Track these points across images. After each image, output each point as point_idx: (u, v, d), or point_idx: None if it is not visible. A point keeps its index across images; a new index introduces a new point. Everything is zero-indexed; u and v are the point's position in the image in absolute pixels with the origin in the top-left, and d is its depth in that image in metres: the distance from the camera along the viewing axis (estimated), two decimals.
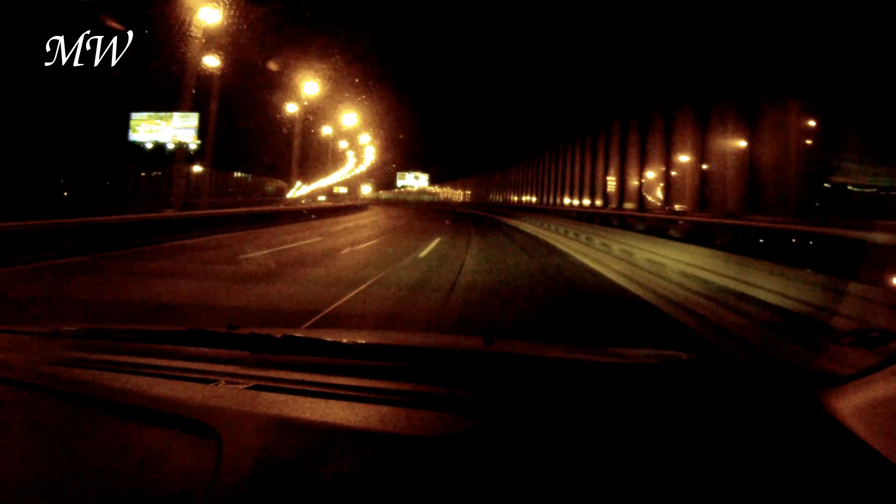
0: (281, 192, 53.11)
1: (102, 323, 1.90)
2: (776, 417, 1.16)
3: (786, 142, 10.02)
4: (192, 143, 27.01)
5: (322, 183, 69.31)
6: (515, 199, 39.96)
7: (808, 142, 9.85)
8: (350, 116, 55.45)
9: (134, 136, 26.81)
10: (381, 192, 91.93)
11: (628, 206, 16.29)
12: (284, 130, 34.95)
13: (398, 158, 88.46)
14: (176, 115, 26.42)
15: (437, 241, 15.74)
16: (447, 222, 28.43)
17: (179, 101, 23.92)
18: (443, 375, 1.36)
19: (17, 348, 1.63)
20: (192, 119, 26.72)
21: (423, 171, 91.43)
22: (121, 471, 1.03)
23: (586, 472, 0.99)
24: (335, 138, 52.84)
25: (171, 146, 26.53)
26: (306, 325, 5.13)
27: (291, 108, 35.28)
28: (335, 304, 6.14)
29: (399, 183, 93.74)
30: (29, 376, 1.40)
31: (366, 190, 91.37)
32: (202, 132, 26.53)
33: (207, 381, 1.32)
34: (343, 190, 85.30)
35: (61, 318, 3.07)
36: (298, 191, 55.82)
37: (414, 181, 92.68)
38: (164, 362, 1.47)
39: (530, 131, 34.12)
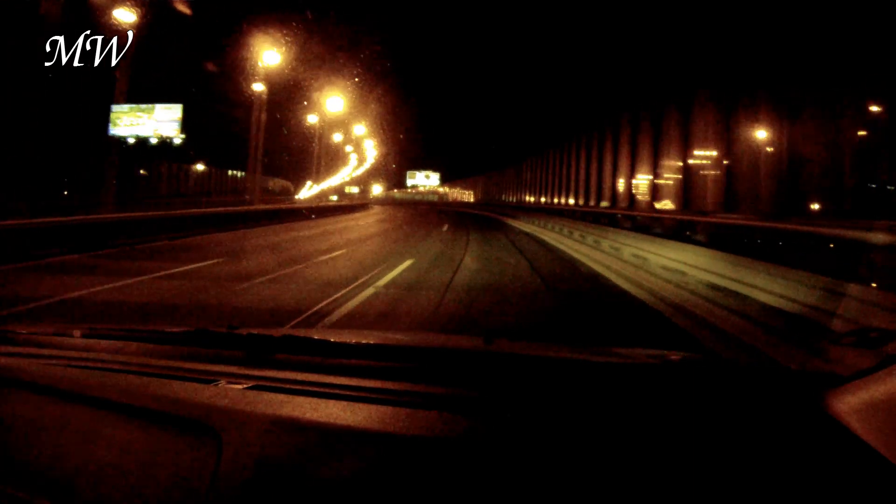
0: (286, 192, 51.44)
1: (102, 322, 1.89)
2: (776, 417, 1.16)
3: (831, 139, 9.21)
4: (177, 138, 25.11)
5: (331, 182, 69.50)
6: (531, 199, 37.22)
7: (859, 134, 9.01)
8: (359, 116, 54.22)
9: (114, 130, 25.17)
10: (393, 191, 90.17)
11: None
12: (285, 131, 33.07)
13: (409, 157, 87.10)
14: (158, 106, 24.67)
15: (407, 263, 10.31)
16: (444, 227, 24.05)
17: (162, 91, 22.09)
18: (443, 375, 1.35)
19: (18, 348, 1.62)
20: (176, 110, 25.05)
21: (435, 170, 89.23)
22: (121, 471, 1.03)
23: (587, 472, 0.99)
24: (328, 132, 51.56)
25: (153, 141, 24.60)
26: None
27: (298, 108, 33.47)
28: None
29: (409, 182, 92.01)
30: (29, 376, 1.39)
31: (377, 190, 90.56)
32: (187, 125, 24.58)
33: (207, 381, 1.32)
34: (355, 190, 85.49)
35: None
36: (310, 190, 57.22)
37: (424, 180, 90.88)
38: (164, 362, 1.47)
39: (547, 126, 31.53)
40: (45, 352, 1.59)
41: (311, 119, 43.78)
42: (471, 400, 1.24)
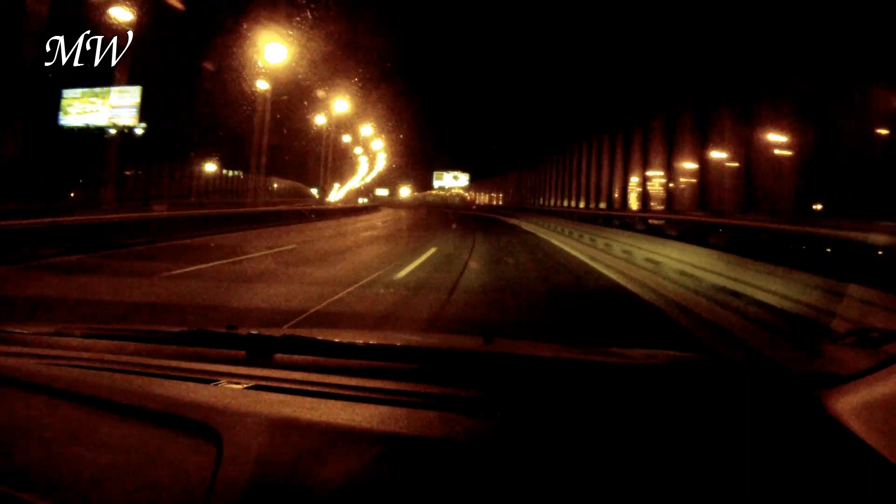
0: (299, 193, 47.99)
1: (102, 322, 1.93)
2: (776, 417, 1.19)
3: None
4: (138, 128, 20.72)
5: (353, 184, 67.74)
6: (576, 204, 28.65)
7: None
8: (384, 117, 53.08)
9: (65, 120, 21.22)
10: (422, 192, 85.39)
11: None
12: (285, 130, 29.62)
13: (437, 158, 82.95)
14: (114, 90, 20.49)
15: None
16: (423, 256, 12.38)
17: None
18: (443, 375, 1.38)
19: (17, 348, 1.64)
20: (134, 94, 20.98)
21: (463, 170, 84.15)
22: (120, 471, 1.05)
23: (587, 471, 1.02)
24: (349, 134, 49.16)
25: (112, 132, 20.25)
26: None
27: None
28: None
29: (436, 183, 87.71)
30: (29, 376, 1.41)
31: (405, 192, 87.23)
32: (146, 112, 20.16)
33: (207, 381, 1.34)
34: (384, 192, 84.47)
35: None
36: (338, 193, 59.38)
37: (453, 181, 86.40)
38: (165, 362, 1.50)
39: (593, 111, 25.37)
40: (45, 352, 1.60)
41: (322, 120, 41.17)
42: (470, 400, 1.26)
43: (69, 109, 21.79)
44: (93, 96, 21.51)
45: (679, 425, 1.13)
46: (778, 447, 1.06)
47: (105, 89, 21.22)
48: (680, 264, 8.79)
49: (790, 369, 1.49)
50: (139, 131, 21.47)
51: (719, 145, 14.05)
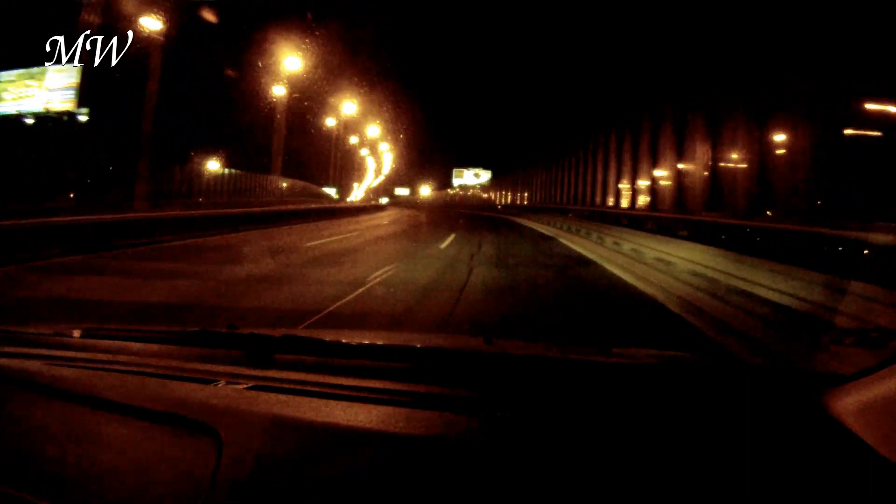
0: (301, 192, 45.02)
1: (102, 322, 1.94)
2: (777, 417, 1.22)
3: None
4: (80, 114, 17.39)
5: (368, 183, 66.43)
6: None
7: None
8: (403, 115, 52.51)
9: (1, 108, 17.62)
10: (442, 191, 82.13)
11: None
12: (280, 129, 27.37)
13: (457, 154, 79.61)
14: (50, 69, 17.22)
15: None
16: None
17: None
18: (443, 375, 1.40)
19: (18, 349, 1.64)
20: (71, 74, 17.68)
21: (485, 167, 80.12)
22: (121, 471, 1.07)
23: (587, 472, 1.05)
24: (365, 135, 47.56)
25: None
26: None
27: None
28: None
29: (456, 182, 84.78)
30: (29, 376, 1.42)
31: (425, 191, 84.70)
32: (90, 95, 16.79)
33: (207, 381, 1.36)
34: (404, 191, 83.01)
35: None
36: (358, 191, 60.85)
37: (474, 179, 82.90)
38: (165, 362, 1.52)
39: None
40: (45, 352, 1.60)
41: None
42: (471, 400, 1.28)
43: (4, 95, 18.93)
44: (29, 78, 18.72)
45: (679, 425, 1.15)
46: (779, 447, 1.08)
47: (41, 69, 18.32)
48: None
49: (791, 369, 1.51)
50: (82, 118, 18.50)
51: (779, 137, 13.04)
